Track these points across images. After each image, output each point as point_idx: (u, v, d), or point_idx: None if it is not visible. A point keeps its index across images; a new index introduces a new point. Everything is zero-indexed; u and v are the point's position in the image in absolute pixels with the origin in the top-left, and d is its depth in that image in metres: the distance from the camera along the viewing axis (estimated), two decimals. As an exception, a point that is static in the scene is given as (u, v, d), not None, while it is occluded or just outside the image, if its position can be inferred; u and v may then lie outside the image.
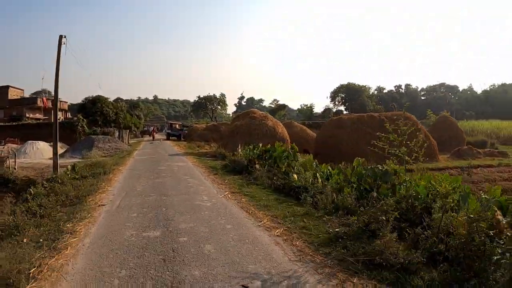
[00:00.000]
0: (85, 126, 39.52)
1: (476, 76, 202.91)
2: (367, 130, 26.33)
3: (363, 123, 26.73)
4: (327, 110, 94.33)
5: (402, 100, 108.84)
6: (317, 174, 10.08)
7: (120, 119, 46.47)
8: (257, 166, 13.82)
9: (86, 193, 10.05)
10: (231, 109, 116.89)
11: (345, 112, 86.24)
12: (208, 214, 7.55)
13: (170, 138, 50.87)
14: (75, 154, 26.67)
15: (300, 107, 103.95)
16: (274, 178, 11.47)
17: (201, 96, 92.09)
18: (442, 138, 33.83)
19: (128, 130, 48.73)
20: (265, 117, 27.75)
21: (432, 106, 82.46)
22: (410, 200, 6.62)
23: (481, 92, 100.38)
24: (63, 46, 17.57)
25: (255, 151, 16.66)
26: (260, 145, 17.66)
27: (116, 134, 39.91)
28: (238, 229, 6.42)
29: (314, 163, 11.91)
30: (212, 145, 33.82)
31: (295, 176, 10.30)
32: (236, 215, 7.50)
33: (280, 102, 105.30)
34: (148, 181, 12.40)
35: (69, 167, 15.77)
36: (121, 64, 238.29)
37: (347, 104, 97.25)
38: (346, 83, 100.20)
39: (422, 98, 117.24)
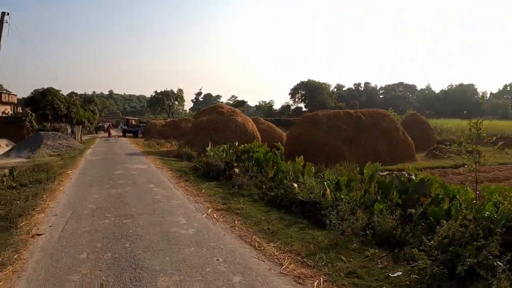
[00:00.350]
0: (33, 121, 35.28)
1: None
2: (343, 127, 24.68)
3: (339, 120, 24.96)
4: (286, 107, 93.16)
5: (362, 98, 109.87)
6: (325, 183, 7.92)
7: (72, 114, 42.45)
8: (236, 170, 11.52)
9: (20, 211, 7.27)
10: (188, 105, 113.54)
11: (304, 109, 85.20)
12: (195, 252, 5.09)
13: (126, 134, 47.40)
14: (21, 153, 23.04)
15: (258, 104, 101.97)
16: (264, 187, 9.31)
17: (158, 91, 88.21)
18: (412, 137, 32.83)
19: (81, 126, 44.91)
20: (234, 112, 25.36)
21: (391, 104, 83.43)
22: (485, 223, 4.65)
23: (439, 91, 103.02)
24: (5, 25, 14.53)
25: (231, 151, 14.32)
26: (236, 143, 15.33)
27: (69, 130, 36.23)
28: (253, 285, 4.03)
29: (312, 167, 9.76)
30: (173, 142, 31.55)
31: (296, 185, 8.14)
32: (238, 252, 5.11)
33: (239, 98, 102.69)
34: (103, 192, 9.75)
35: (7, 171, 12.68)
36: (75, 57, 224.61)
37: (307, 101, 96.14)
38: (306, 80, 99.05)
39: (381, 96, 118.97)
